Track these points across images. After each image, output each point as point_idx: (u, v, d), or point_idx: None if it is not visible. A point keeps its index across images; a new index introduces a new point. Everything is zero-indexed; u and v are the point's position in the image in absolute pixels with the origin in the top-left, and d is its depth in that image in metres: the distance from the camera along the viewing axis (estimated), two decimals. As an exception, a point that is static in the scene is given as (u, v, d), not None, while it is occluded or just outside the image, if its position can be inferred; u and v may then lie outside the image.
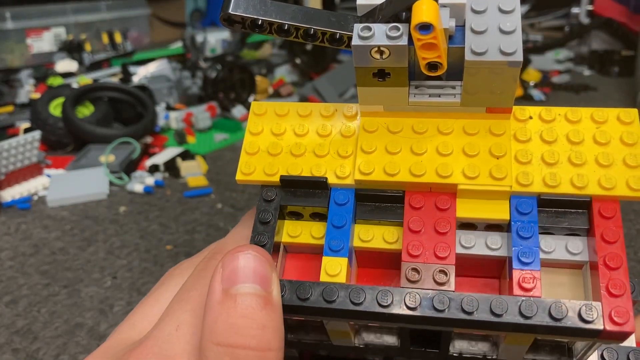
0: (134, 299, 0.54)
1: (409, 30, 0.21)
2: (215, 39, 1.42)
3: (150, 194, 0.80)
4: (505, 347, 0.23)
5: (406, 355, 0.24)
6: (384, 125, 0.24)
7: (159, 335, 0.22)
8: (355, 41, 0.22)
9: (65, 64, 1.46)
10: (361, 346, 0.24)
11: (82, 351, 0.47)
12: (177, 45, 1.58)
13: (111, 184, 0.83)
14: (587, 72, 1.54)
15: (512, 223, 0.22)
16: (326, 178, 0.23)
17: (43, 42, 1.64)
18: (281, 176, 0.24)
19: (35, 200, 0.80)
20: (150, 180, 0.83)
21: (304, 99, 1.23)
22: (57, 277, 0.59)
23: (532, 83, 1.34)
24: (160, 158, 0.90)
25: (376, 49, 0.22)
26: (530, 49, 1.58)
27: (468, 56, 0.21)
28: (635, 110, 0.23)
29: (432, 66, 0.22)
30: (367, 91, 0.24)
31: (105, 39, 1.78)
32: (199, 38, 1.41)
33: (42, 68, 1.51)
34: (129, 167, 0.87)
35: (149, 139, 1.01)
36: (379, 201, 0.24)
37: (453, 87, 0.24)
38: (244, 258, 0.19)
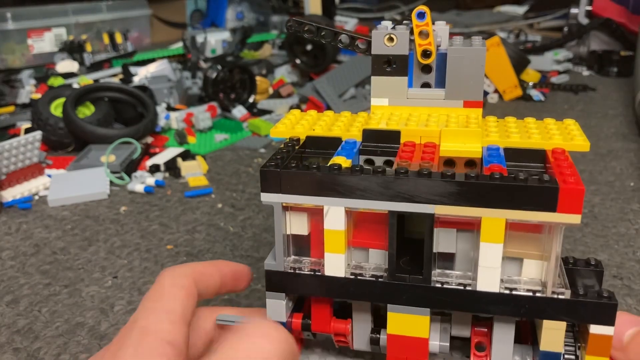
0: (135, 299, 0.55)
1: (411, 29, 0.30)
2: (216, 39, 1.43)
3: (151, 194, 0.81)
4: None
5: (391, 293, 0.27)
6: (387, 110, 0.32)
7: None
8: (375, 31, 0.30)
9: (66, 65, 1.46)
10: (350, 277, 0.28)
11: (82, 350, 0.48)
12: (177, 46, 1.58)
13: (112, 183, 0.83)
14: (586, 72, 1.54)
15: (484, 156, 0.28)
16: (340, 137, 0.31)
17: (44, 43, 1.65)
18: (307, 136, 0.30)
19: (36, 200, 0.80)
20: (150, 180, 0.83)
21: (304, 99, 1.24)
22: (58, 277, 0.59)
23: (531, 84, 1.34)
24: (161, 158, 0.91)
25: (388, 36, 0.30)
26: (529, 49, 1.58)
27: (450, 51, 0.30)
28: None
29: (425, 53, 0.30)
30: (378, 81, 0.31)
31: (106, 39, 1.78)
32: (200, 39, 1.41)
33: (43, 68, 1.52)
34: (130, 167, 0.88)
35: (149, 139, 1.01)
36: (380, 141, 0.30)
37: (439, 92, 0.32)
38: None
